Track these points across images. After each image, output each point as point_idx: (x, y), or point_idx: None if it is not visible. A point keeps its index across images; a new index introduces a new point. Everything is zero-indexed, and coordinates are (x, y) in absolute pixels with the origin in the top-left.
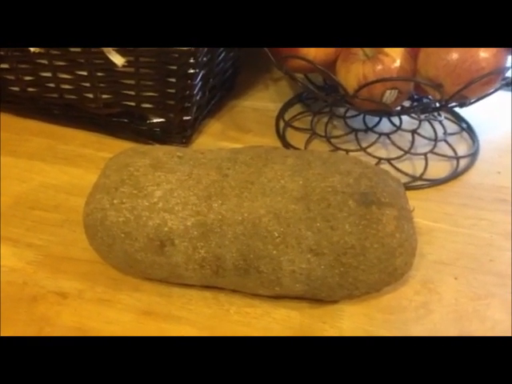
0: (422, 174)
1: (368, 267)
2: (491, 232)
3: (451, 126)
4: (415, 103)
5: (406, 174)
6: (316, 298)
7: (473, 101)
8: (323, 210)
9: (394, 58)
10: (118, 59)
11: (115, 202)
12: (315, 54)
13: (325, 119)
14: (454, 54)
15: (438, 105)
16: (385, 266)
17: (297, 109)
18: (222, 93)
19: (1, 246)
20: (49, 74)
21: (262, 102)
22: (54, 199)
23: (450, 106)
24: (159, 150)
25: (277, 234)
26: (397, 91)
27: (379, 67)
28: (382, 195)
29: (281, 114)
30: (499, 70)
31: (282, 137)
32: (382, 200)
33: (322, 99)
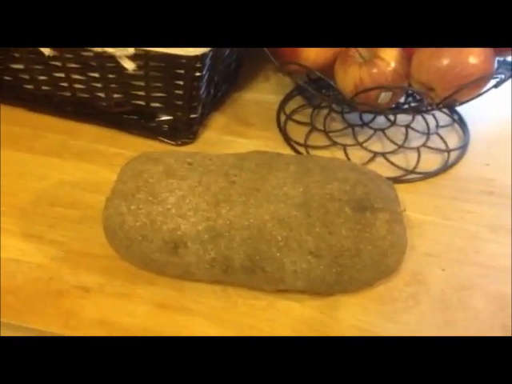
0: (415, 168)
1: (362, 267)
2: (478, 224)
3: (443, 118)
4: (409, 98)
5: (400, 168)
6: (315, 292)
7: (462, 102)
8: (322, 216)
9: (389, 61)
10: (128, 64)
11: (132, 207)
12: (315, 57)
13: (324, 112)
14: (445, 61)
15: (429, 108)
16: (377, 265)
17: (297, 101)
18: (226, 86)
19: (26, 242)
20: (62, 75)
21: (263, 94)
22: (72, 196)
23: (440, 106)
24: (170, 157)
25: (280, 238)
26: (391, 93)
27: (375, 71)
28: (376, 201)
29: (281, 107)
30: (487, 76)
31: (283, 131)
32: (376, 206)
33: (321, 99)
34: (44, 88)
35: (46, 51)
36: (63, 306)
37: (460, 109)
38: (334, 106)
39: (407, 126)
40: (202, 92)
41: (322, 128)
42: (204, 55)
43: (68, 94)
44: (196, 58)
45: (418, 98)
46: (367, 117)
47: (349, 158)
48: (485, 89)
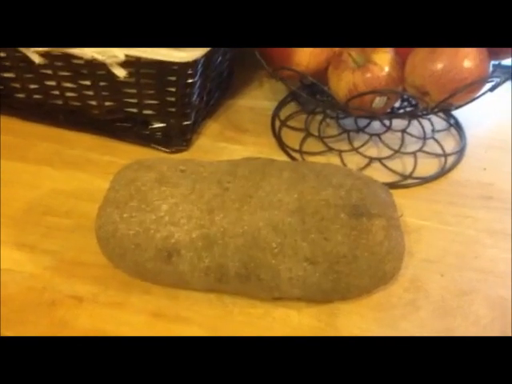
0: (412, 173)
1: (359, 273)
2: (476, 229)
3: (439, 122)
4: (405, 103)
5: (397, 173)
6: (312, 300)
7: (457, 106)
8: (317, 223)
9: (382, 66)
10: (119, 71)
11: (125, 216)
12: (307, 62)
13: (318, 117)
14: (439, 64)
15: (424, 112)
16: (375, 272)
17: (291, 107)
18: (219, 93)
19: (18, 252)
20: (53, 83)
21: (257, 101)
22: (65, 205)
23: (435, 111)
24: (163, 164)
25: (275, 245)
26: (386, 98)
27: (368, 75)
28: (372, 207)
29: (276, 114)
30: (482, 79)
31: (277, 137)
32: (372, 211)
33: (315, 105)
34: (35, 96)
35: (36, 59)
36: (57, 315)
37: (456, 113)
38: (328, 111)
39: (403, 131)
40: (194, 99)
41: (316, 134)
42: (196, 62)
43: (60, 102)
44: (188, 64)
45: (413, 102)
46: (362, 122)
47: (345, 164)
48: (480, 92)
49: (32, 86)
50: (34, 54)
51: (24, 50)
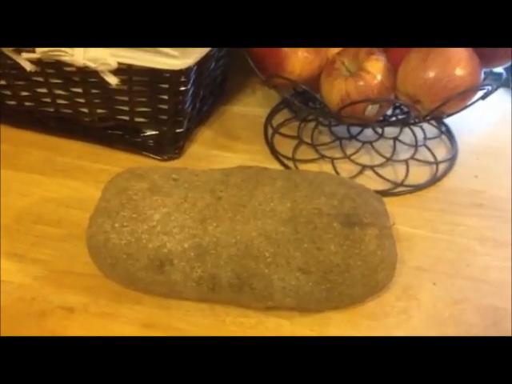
0: (403, 181)
1: (352, 283)
2: (467, 237)
3: (431, 130)
4: (397, 111)
5: (388, 181)
6: (305, 309)
7: (450, 114)
8: (310, 232)
9: (375, 74)
10: (111, 79)
11: (116, 225)
12: (300, 70)
13: (311, 125)
14: (431, 73)
15: (416, 120)
16: (368, 281)
17: (284, 115)
18: (212, 100)
19: (7, 261)
20: (44, 90)
21: (250, 107)
22: (56, 213)
23: (427, 119)
24: (155, 173)
25: (268, 255)
26: (378, 106)
27: (361, 83)
28: (364, 216)
29: (268, 121)
30: (474, 87)
31: (270, 144)
32: (364, 221)
33: (308, 112)
34: (27, 104)
35: (28, 66)
36: (47, 327)
37: (447, 120)
38: (320, 118)
39: (395, 139)
40: (187, 106)
41: (309, 141)
42: (189, 69)
43: (51, 109)
44: (180, 72)
45: (405, 110)
46: (355, 129)
47: (337, 172)
48: (472, 100)
49: (23, 94)
50: (25, 62)
51: (15, 57)
